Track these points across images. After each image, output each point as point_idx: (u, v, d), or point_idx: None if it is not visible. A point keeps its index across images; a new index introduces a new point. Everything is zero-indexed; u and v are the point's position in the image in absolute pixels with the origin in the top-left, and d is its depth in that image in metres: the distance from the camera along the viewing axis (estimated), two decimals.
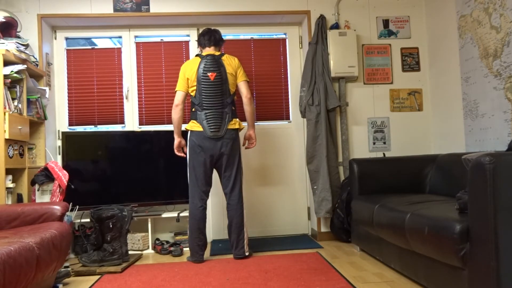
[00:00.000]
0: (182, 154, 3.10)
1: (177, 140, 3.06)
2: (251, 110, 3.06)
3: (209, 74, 2.93)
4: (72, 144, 3.33)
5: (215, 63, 2.96)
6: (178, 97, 3.00)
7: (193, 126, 2.95)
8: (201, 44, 3.08)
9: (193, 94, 2.98)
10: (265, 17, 3.70)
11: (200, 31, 3.78)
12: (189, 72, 2.98)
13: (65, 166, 3.28)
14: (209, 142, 2.90)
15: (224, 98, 2.95)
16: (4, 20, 3.06)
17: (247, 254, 2.96)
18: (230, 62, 3.02)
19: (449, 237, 1.77)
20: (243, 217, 2.97)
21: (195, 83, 2.95)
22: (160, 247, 3.30)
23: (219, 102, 2.93)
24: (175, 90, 3.03)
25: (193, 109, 2.98)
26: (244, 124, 3.50)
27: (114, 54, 3.74)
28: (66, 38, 3.72)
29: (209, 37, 3.04)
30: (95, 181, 3.37)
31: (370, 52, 3.69)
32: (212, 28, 3.11)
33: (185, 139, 3.08)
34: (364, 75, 3.68)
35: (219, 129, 2.91)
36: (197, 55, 3.04)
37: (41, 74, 3.34)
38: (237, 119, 3.01)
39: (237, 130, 3.00)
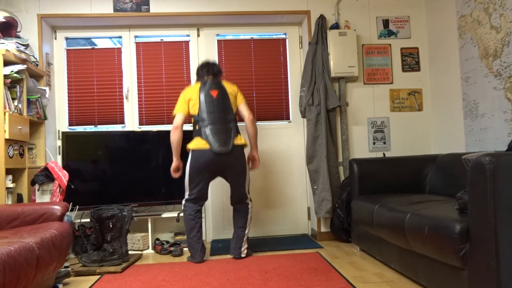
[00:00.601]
0: (178, 175, 3.06)
1: (175, 162, 3.00)
2: (254, 131, 3.04)
3: (211, 91, 2.95)
4: (72, 144, 3.33)
5: (216, 83, 2.99)
6: (178, 119, 2.95)
7: (198, 144, 2.87)
8: (200, 76, 3.07)
9: (195, 113, 2.94)
10: (265, 17, 3.70)
11: (200, 31, 3.79)
12: (190, 94, 2.98)
13: (65, 166, 3.28)
14: (216, 158, 2.84)
15: (228, 114, 2.94)
16: (4, 20, 3.06)
17: (243, 256, 2.97)
18: (230, 86, 3.05)
19: (449, 237, 1.77)
20: (246, 221, 3.00)
21: (197, 101, 2.94)
22: (160, 247, 3.30)
23: (222, 118, 2.91)
24: (174, 113, 2.99)
25: (197, 127, 2.93)
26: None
27: (114, 54, 3.74)
28: (66, 38, 3.72)
29: (208, 69, 3.05)
30: (95, 181, 3.37)
31: (370, 52, 3.69)
32: (211, 61, 3.10)
33: (183, 160, 3.03)
34: (364, 75, 3.68)
35: (225, 143, 2.86)
36: (197, 81, 3.07)
37: (41, 74, 3.33)
38: (241, 136, 3.00)
39: (243, 147, 2.96)
